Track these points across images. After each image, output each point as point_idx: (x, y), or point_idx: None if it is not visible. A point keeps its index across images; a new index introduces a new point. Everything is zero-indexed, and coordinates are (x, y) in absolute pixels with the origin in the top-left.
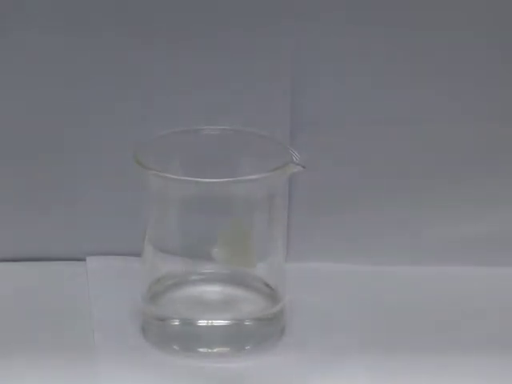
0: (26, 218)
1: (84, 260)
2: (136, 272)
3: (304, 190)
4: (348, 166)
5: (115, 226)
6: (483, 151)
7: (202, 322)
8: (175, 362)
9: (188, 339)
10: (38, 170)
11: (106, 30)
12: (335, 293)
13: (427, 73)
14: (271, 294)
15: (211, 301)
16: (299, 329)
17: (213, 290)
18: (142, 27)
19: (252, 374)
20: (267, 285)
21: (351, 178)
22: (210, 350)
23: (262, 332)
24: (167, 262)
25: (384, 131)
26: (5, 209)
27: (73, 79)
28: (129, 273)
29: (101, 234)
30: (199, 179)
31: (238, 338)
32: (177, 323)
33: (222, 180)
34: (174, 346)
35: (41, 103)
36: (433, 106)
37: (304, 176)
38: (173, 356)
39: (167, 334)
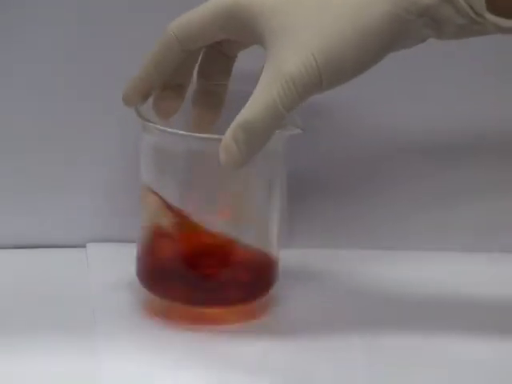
0: (26, 205)
1: (84, 247)
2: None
3: (301, 180)
4: (343, 153)
5: (115, 213)
6: (471, 138)
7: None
8: (175, 344)
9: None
10: (38, 156)
11: None
12: (332, 276)
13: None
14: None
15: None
16: (296, 310)
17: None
18: None
19: (251, 350)
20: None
21: (347, 165)
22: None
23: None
24: None
25: (380, 112)
26: (4, 195)
27: (72, 56)
28: (129, 259)
29: (101, 221)
30: (194, 134)
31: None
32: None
33: (218, 136)
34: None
35: (38, 84)
36: (432, 88)
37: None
38: (173, 338)
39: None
